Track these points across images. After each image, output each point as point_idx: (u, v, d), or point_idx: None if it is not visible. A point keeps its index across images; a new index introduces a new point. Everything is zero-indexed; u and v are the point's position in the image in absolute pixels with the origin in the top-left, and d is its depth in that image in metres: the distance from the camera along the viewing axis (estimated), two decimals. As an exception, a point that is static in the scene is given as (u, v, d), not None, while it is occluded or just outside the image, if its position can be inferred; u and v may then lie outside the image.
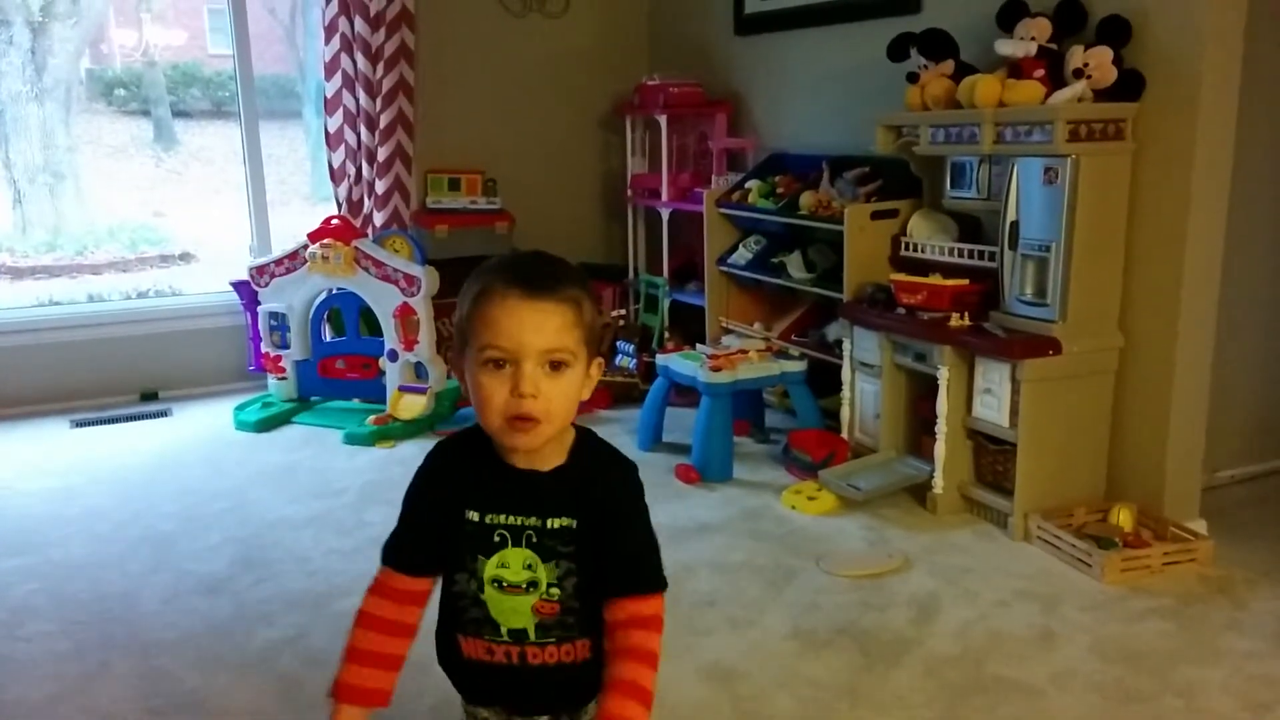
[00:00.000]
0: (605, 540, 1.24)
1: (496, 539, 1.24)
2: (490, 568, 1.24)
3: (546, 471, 1.25)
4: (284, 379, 4.25)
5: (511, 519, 1.24)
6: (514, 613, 1.25)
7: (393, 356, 4.04)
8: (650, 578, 1.26)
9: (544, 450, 1.24)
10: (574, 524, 1.23)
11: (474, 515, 1.24)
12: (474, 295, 1.20)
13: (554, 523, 1.23)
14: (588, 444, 1.29)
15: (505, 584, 1.24)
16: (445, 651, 1.33)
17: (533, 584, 1.23)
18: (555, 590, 1.24)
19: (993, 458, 3.02)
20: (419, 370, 4.05)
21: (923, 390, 3.23)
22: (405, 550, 1.30)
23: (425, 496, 1.30)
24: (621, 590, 1.23)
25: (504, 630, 1.26)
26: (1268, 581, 2.64)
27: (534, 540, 1.23)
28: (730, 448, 3.48)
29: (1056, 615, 2.48)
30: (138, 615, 2.56)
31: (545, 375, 1.18)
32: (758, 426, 3.86)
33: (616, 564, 1.24)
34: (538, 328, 1.17)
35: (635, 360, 4.37)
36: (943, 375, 3.02)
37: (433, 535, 1.27)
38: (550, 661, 1.27)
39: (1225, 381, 3.04)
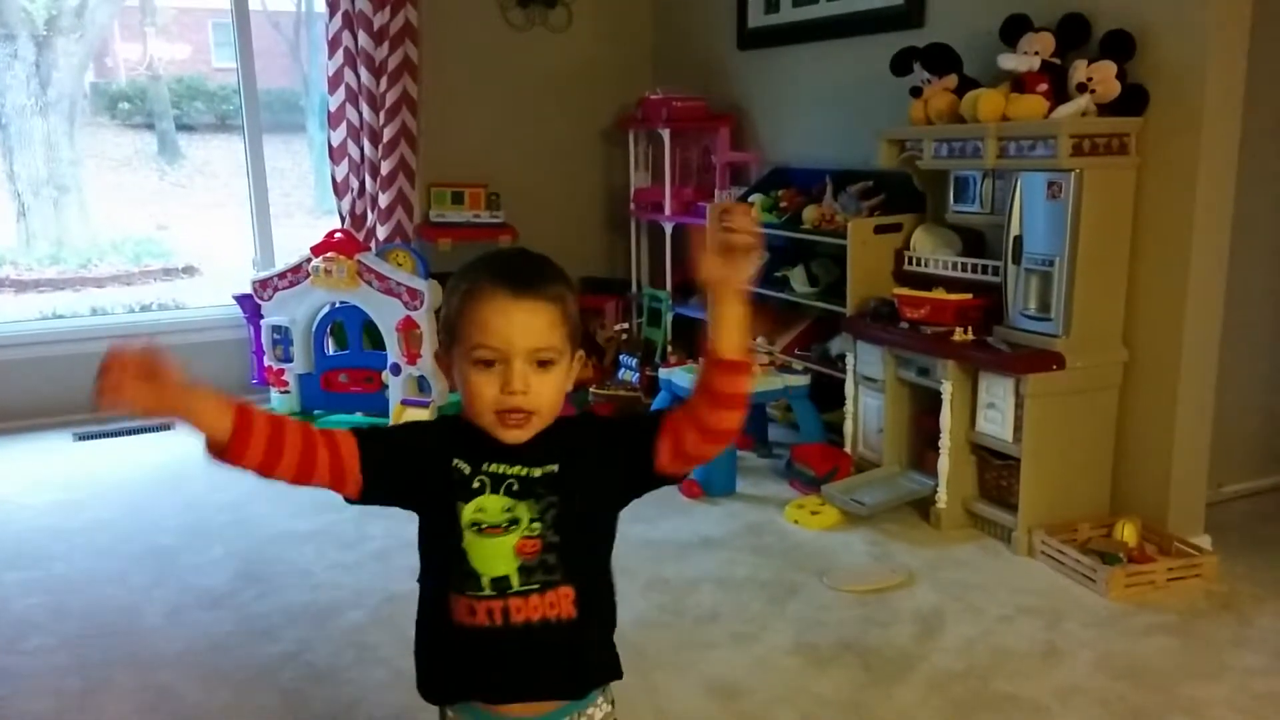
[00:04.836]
0: (609, 448, 1.29)
1: (476, 485, 1.25)
2: (468, 513, 1.25)
3: (530, 438, 1.27)
4: (287, 392, 4.25)
5: (497, 467, 1.26)
6: (495, 557, 1.25)
7: (395, 370, 4.04)
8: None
9: None
10: (556, 468, 1.26)
11: (464, 466, 1.26)
12: (462, 294, 1.23)
13: (537, 471, 1.26)
14: (565, 418, 1.33)
15: (484, 526, 1.25)
16: (434, 634, 1.32)
17: (514, 522, 1.25)
18: (537, 524, 1.25)
19: (996, 472, 3.01)
20: (422, 384, 4.05)
21: (926, 405, 3.23)
22: (370, 440, 1.27)
23: (417, 435, 1.34)
24: (659, 416, 1.27)
25: (485, 582, 1.25)
26: (1273, 597, 2.63)
27: (514, 489, 1.25)
28: (733, 462, 3.48)
29: (1061, 631, 2.47)
30: (139, 629, 2.55)
31: (533, 372, 1.22)
32: (761, 441, 3.86)
33: (636, 424, 1.31)
34: (525, 327, 1.21)
35: (638, 374, 4.36)
36: (946, 390, 3.01)
37: (399, 458, 1.28)
38: (534, 618, 1.26)
39: (1230, 396, 3.03)
